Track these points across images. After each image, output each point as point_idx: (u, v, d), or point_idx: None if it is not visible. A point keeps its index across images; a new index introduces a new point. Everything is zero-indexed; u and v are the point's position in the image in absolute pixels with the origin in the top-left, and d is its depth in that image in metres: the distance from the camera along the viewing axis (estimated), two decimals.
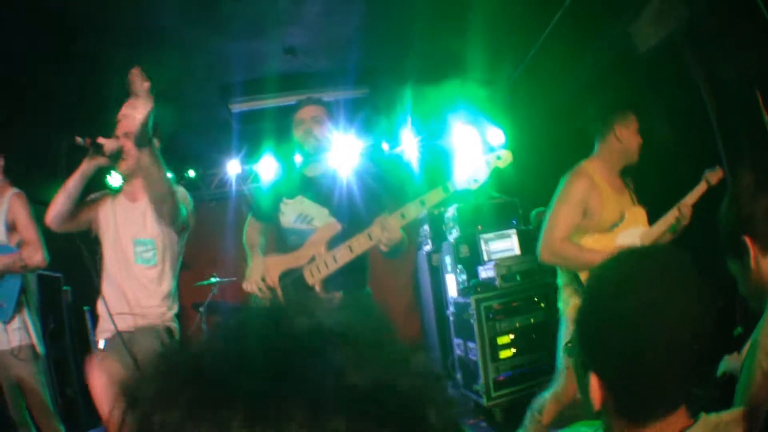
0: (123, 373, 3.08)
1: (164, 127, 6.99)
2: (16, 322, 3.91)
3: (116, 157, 3.34)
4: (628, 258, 1.40)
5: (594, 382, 1.32)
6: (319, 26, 5.57)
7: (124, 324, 3.33)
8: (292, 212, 3.70)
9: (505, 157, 3.35)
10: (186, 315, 8.27)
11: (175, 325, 3.53)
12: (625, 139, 3.71)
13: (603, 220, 3.66)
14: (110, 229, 3.48)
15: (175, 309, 3.55)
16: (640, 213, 3.82)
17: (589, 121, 3.91)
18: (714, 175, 3.87)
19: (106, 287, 3.42)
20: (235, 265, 3.99)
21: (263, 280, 3.57)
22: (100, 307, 3.41)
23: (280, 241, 3.76)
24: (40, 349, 3.96)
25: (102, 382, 3.05)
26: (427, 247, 7.73)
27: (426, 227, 7.61)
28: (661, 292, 1.26)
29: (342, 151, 8.06)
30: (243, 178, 8.89)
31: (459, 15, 5.28)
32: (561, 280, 3.89)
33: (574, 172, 3.72)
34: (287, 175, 3.99)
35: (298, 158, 3.89)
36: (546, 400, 3.80)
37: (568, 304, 3.77)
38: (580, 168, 3.75)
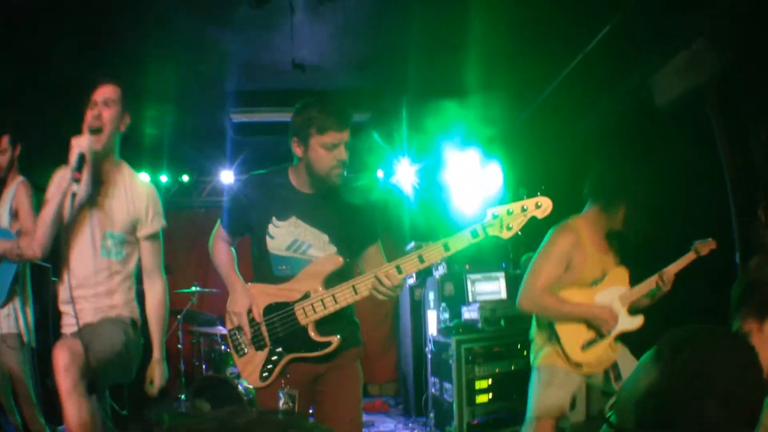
0: (83, 353, 2.94)
1: (164, 128, 6.99)
2: (5, 310, 3.87)
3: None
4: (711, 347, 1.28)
5: None
6: (331, 46, 5.52)
7: (86, 317, 3.20)
8: (285, 237, 3.11)
9: (545, 206, 2.91)
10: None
11: (139, 318, 3.43)
12: (608, 214, 3.71)
13: (584, 276, 3.66)
14: (79, 223, 3.30)
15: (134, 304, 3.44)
16: (621, 274, 3.83)
17: (584, 183, 3.88)
18: (704, 246, 3.87)
19: (72, 281, 3.23)
20: (217, 276, 3.86)
21: (249, 313, 3.12)
22: (63, 302, 3.28)
23: (265, 267, 3.18)
24: (26, 338, 3.92)
25: (64, 359, 2.89)
26: (411, 281, 7.61)
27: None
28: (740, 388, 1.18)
29: None
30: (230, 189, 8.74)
31: (469, 47, 5.21)
32: (534, 330, 3.87)
33: (562, 227, 3.70)
34: (276, 188, 3.20)
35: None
36: None
37: (538, 356, 3.73)
38: (568, 224, 3.73)
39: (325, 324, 3.06)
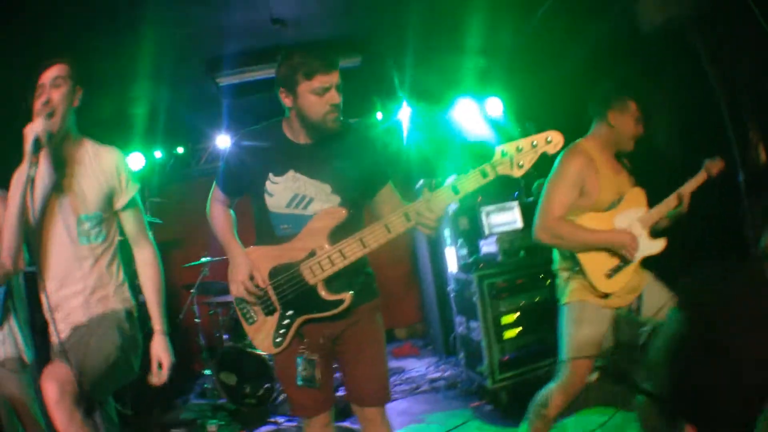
0: (73, 380, 2.75)
1: (150, 105, 6.83)
2: (3, 332, 3.59)
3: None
4: None
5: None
6: None
7: (76, 318, 3.05)
8: (285, 193, 2.93)
9: (556, 141, 2.72)
10: (178, 296, 8.10)
11: (132, 303, 3.27)
12: (618, 125, 3.62)
13: (600, 200, 3.56)
14: (48, 215, 3.09)
15: (126, 287, 3.28)
16: (638, 195, 3.72)
17: (589, 101, 3.79)
18: (714, 166, 3.79)
19: (52, 283, 3.08)
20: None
21: (251, 279, 3.00)
22: (46, 310, 3.07)
23: (266, 227, 3.03)
24: (28, 358, 3.63)
25: (53, 392, 2.69)
26: None
27: None
28: None
29: None
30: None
31: None
32: (557, 264, 3.78)
33: (571, 150, 3.60)
34: (270, 142, 3.01)
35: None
36: (551, 392, 3.63)
37: (565, 292, 3.66)
38: (577, 146, 3.64)
39: (335, 280, 2.94)
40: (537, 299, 5.52)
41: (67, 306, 3.05)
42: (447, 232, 6.58)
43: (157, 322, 3.27)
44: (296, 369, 3.00)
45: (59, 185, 3.04)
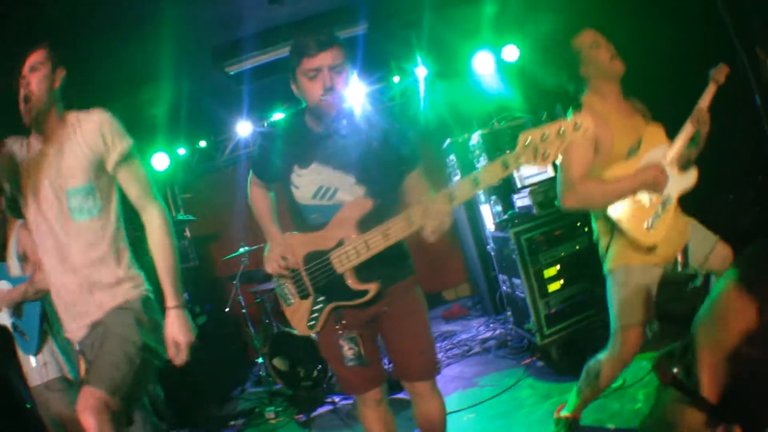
0: (107, 400, 2.67)
1: (167, 103, 6.84)
2: (44, 355, 3.67)
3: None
4: None
5: None
6: None
7: (88, 319, 2.91)
8: (310, 185, 2.96)
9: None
10: (223, 289, 8.15)
11: (146, 286, 3.05)
12: (590, 57, 3.42)
13: (617, 150, 3.36)
14: (41, 200, 2.96)
15: (135, 267, 3.06)
16: (656, 131, 3.49)
17: (563, 61, 3.55)
18: (720, 73, 3.50)
19: (51, 267, 2.96)
20: (260, 231, 3.88)
21: (285, 260, 3.05)
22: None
23: (298, 216, 3.07)
24: (72, 375, 3.68)
25: (91, 424, 2.58)
26: (457, 177, 7.34)
27: (452, 157, 7.19)
28: None
29: (351, 94, 7.76)
30: (255, 137, 8.56)
31: None
32: (596, 231, 3.60)
33: (574, 111, 3.43)
34: (294, 134, 3.01)
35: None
36: (602, 363, 3.52)
37: (607, 259, 3.49)
38: (579, 104, 3.51)
39: (365, 269, 2.92)
40: (577, 248, 5.35)
41: (83, 299, 2.92)
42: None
43: (169, 297, 2.96)
44: (340, 349, 3.07)
45: (47, 168, 2.92)
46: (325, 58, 2.74)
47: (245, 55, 6.23)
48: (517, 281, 5.47)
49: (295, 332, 5.80)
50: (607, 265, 3.48)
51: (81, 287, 2.91)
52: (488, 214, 6.34)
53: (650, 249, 3.32)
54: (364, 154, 2.91)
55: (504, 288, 6.03)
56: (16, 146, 3.01)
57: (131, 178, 3.03)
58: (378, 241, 2.81)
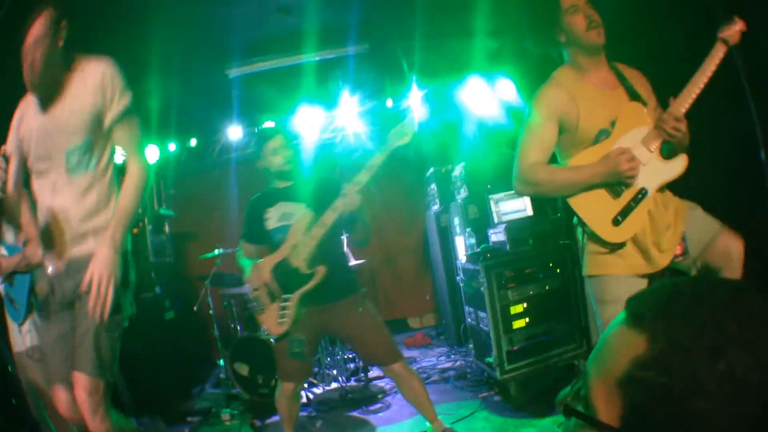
0: (100, 381, 2.86)
1: (163, 97, 6.87)
2: (26, 325, 3.79)
3: None
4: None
5: None
6: None
7: (71, 249, 2.98)
8: (276, 214, 4.22)
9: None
10: (194, 287, 8.15)
11: (127, 247, 3.04)
12: (566, 23, 3.06)
13: (584, 132, 3.02)
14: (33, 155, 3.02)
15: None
16: (636, 109, 3.04)
17: (543, 21, 3.18)
18: (731, 31, 2.94)
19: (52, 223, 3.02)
20: (238, 235, 4.20)
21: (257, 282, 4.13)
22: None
23: (269, 242, 4.23)
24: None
25: (86, 404, 2.82)
26: (435, 207, 7.42)
27: (433, 186, 7.30)
28: None
29: (344, 112, 7.87)
30: (245, 142, 8.65)
31: None
32: (577, 230, 3.19)
33: (542, 86, 3.15)
34: (263, 194, 4.41)
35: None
36: None
37: (583, 256, 3.13)
38: (549, 79, 3.16)
39: (314, 261, 3.98)
40: (546, 288, 5.42)
41: (72, 247, 3.00)
42: (456, 221, 6.53)
43: (111, 230, 2.93)
44: (289, 344, 4.01)
45: (51, 128, 2.97)
46: (277, 142, 4.29)
47: (247, 60, 6.29)
48: (482, 314, 5.52)
49: (265, 336, 5.88)
50: (583, 269, 3.13)
51: (73, 239, 2.99)
52: (462, 246, 6.41)
53: (615, 247, 2.96)
54: (311, 192, 4.19)
55: (469, 320, 6.07)
56: (26, 108, 3.06)
57: (125, 134, 3.09)
58: (317, 229, 3.92)
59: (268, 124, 8.01)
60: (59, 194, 2.98)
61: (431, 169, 7.18)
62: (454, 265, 6.86)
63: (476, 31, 6.11)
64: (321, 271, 3.97)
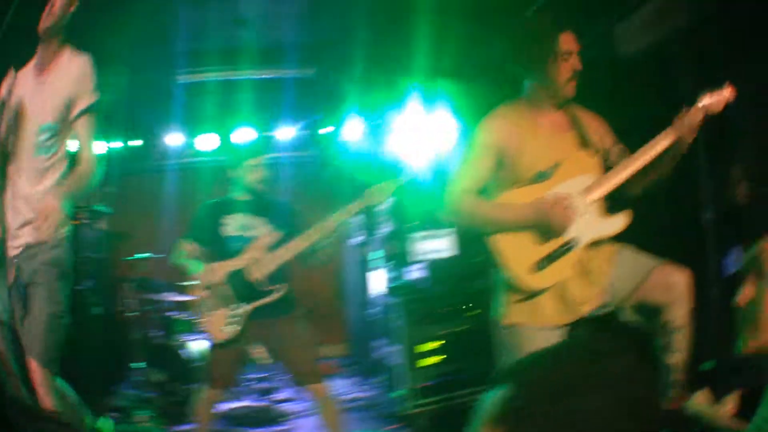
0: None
1: (114, 92, 6.82)
2: None
3: None
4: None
5: None
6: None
7: (23, 240, 3.12)
8: (235, 223, 4.26)
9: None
10: (120, 287, 8.04)
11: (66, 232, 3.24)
12: (552, 64, 2.90)
13: (523, 170, 2.90)
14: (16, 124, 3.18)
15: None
16: (585, 159, 2.96)
17: (527, 45, 3.02)
18: (715, 98, 2.85)
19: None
20: (170, 242, 4.24)
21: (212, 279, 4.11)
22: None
23: (221, 247, 4.24)
24: (4, 318, 3.79)
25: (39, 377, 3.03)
26: (358, 238, 7.47)
27: (359, 216, 7.30)
28: None
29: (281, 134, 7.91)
30: (185, 150, 8.59)
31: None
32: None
33: (488, 115, 3.03)
34: (221, 201, 4.44)
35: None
36: None
37: (494, 298, 3.04)
38: (496, 110, 3.05)
39: (275, 279, 4.07)
40: (460, 329, 5.49)
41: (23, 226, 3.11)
42: (377, 254, 6.58)
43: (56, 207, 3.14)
44: (222, 355, 4.12)
45: (35, 101, 3.14)
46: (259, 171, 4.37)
47: (197, 69, 6.33)
48: (395, 348, 5.57)
49: (181, 346, 6.02)
50: (495, 315, 3.00)
51: (26, 216, 3.11)
52: (380, 279, 6.48)
53: (531, 295, 2.83)
54: (270, 211, 4.31)
55: (381, 352, 6.12)
56: (18, 80, 3.19)
57: (84, 129, 3.31)
58: (284, 253, 4.05)
59: (208, 137, 7.99)
60: (21, 174, 3.15)
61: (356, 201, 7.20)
62: (371, 297, 6.91)
63: (419, 66, 6.20)
64: (282, 289, 4.11)
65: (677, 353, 2.80)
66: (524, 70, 3.02)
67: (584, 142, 2.98)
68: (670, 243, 3.35)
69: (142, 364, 6.37)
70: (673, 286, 2.80)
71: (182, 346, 6.00)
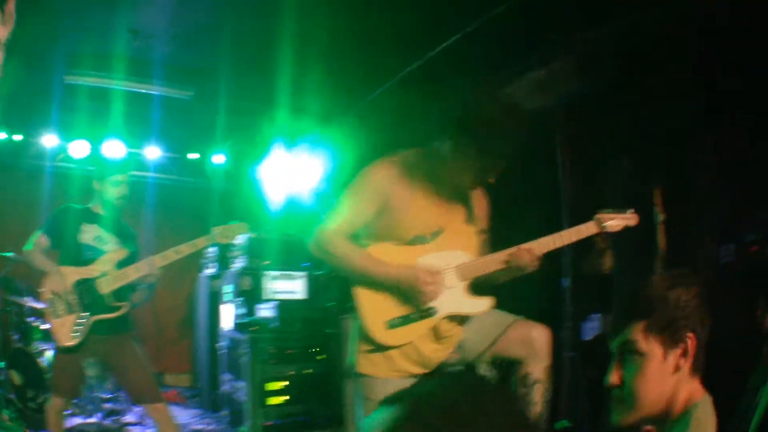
0: None
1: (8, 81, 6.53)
2: None
3: None
4: None
5: None
6: (166, 12, 5.27)
7: None
8: (91, 233, 4.28)
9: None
10: None
11: None
12: (485, 164, 2.69)
13: (403, 227, 2.78)
14: None
15: None
16: (466, 235, 2.90)
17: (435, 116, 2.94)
18: (617, 220, 2.95)
19: None
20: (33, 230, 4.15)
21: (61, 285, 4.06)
22: None
23: (75, 253, 4.22)
24: None
25: None
26: (209, 271, 7.41)
27: (213, 249, 7.25)
28: None
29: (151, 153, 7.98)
30: (58, 153, 8.26)
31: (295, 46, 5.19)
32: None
33: (381, 159, 2.85)
34: (83, 208, 4.42)
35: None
36: None
37: (351, 354, 2.91)
38: (392, 156, 2.86)
39: (119, 297, 4.15)
40: (306, 372, 5.54)
41: None
42: (228, 289, 6.55)
43: None
44: (66, 362, 4.13)
45: None
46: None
47: (83, 71, 6.13)
48: (241, 384, 5.55)
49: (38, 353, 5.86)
50: (350, 362, 2.91)
51: None
52: (229, 313, 6.45)
53: (383, 348, 2.76)
54: (122, 230, 4.44)
55: (226, 387, 6.06)
56: None
57: None
58: (129, 273, 4.12)
59: (80, 144, 7.77)
60: None
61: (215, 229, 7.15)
62: (218, 331, 6.83)
63: (295, 107, 6.34)
64: (125, 308, 4.21)
65: (535, 406, 2.83)
66: (442, 143, 2.74)
67: (470, 217, 2.92)
68: (529, 307, 3.29)
69: (2, 364, 6.13)
70: (531, 341, 2.81)
71: (40, 354, 5.85)
